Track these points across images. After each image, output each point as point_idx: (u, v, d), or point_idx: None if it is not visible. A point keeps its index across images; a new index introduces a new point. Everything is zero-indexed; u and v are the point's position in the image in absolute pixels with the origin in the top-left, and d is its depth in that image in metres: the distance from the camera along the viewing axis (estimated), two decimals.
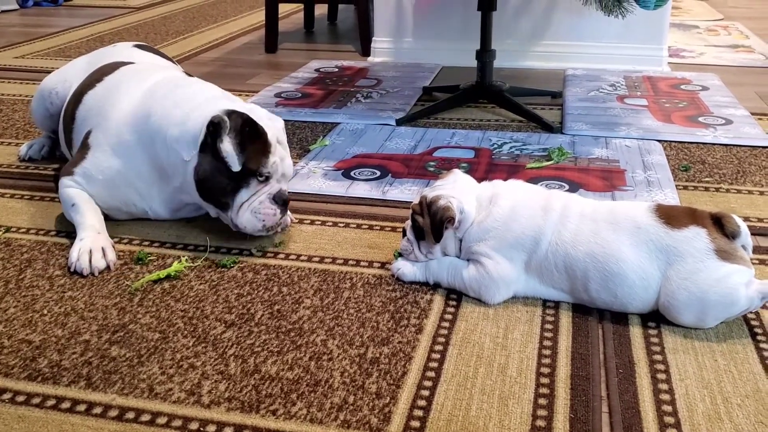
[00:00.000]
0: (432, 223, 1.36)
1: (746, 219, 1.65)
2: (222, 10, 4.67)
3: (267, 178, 1.52)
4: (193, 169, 1.52)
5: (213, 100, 1.56)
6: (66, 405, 1.11)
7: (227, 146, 1.46)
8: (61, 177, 1.66)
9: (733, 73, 2.94)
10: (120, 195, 1.64)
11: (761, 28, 3.79)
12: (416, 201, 1.42)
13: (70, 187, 1.64)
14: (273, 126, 1.56)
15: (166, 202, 1.65)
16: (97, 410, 1.09)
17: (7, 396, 1.13)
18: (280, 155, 1.55)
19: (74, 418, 1.08)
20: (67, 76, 1.98)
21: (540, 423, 1.05)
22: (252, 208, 1.51)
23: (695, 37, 3.64)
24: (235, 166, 1.47)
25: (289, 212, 1.66)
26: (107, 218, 1.67)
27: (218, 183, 1.51)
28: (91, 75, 1.81)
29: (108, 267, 1.49)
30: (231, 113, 1.49)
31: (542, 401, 1.10)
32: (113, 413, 1.09)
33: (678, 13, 4.21)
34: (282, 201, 1.54)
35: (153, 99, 1.60)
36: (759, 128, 2.25)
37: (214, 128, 1.47)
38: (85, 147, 1.65)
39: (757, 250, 1.51)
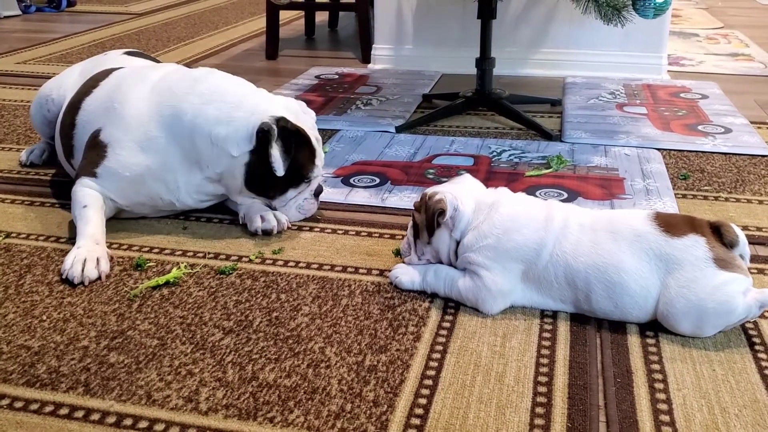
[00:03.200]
0: (425, 218, 1.37)
1: (745, 228, 1.65)
2: (223, 16, 4.68)
3: (311, 179, 1.69)
4: (245, 165, 1.62)
5: (252, 97, 1.65)
6: (64, 411, 1.11)
7: (275, 153, 1.58)
8: (81, 176, 1.66)
9: (732, 82, 2.94)
10: (147, 190, 1.66)
11: (761, 37, 3.80)
12: (419, 199, 1.43)
13: (89, 188, 1.64)
14: (309, 120, 1.69)
15: (193, 193, 1.69)
16: (95, 416, 1.09)
17: (5, 402, 1.13)
18: (320, 157, 1.68)
19: (72, 425, 1.08)
20: (62, 83, 2.00)
21: None
22: (297, 206, 1.70)
23: (695, 45, 3.65)
24: (280, 171, 1.59)
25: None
26: (122, 217, 1.70)
27: (270, 181, 1.64)
28: (86, 84, 1.83)
29: (99, 278, 1.49)
30: (279, 120, 1.59)
31: (539, 410, 1.10)
32: (111, 420, 1.09)
33: (678, 22, 4.22)
34: (319, 193, 1.74)
35: (176, 96, 1.64)
36: (758, 137, 2.25)
37: (263, 135, 1.57)
38: (98, 146, 1.65)
39: (756, 259, 1.52)
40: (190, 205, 1.72)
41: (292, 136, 1.60)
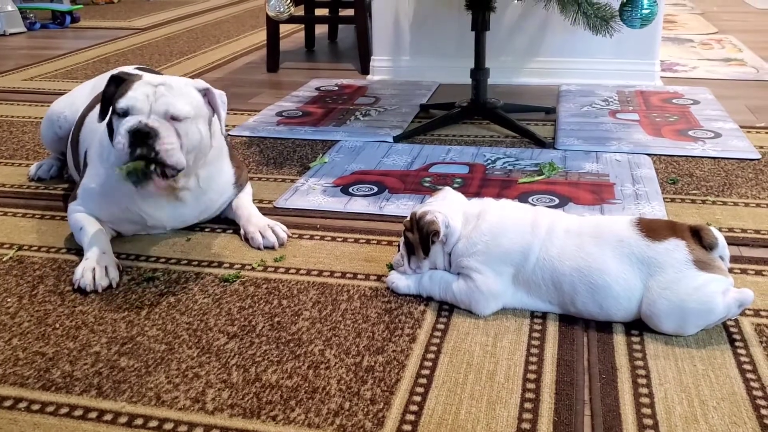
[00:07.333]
0: (420, 238, 1.43)
1: (730, 230, 1.71)
2: (224, 30, 4.76)
3: (125, 113, 1.51)
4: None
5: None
6: (78, 413, 1.17)
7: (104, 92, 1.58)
8: (68, 203, 1.74)
9: (724, 87, 3.00)
10: (119, 201, 1.67)
11: (754, 41, 3.86)
12: (408, 218, 1.48)
13: (77, 212, 1.71)
14: (183, 82, 1.61)
15: (156, 202, 1.68)
16: (108, 417, 1.16)
17: (23, 404, 1.19)
18: (145, 92, 1.52)
19: (86, 425, 1.14)
20: (74, 100, 2.06)
21: (525, 426, 1.11)
22: (120, 136, 1.50)
23: (689, 50, 3.71)
24: (99, 116, 1.60)
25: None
26: (119, 236, 1.74)
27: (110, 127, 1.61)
28: (93, 99, 1.90)
29: (110, 285, 1.55)
30: (124, 72, 1.62)
31: (528, 405, 1.16)
32: (123, 420, 1.15)
33: (673, 27, 4.29)
34: (136, 133, 1.47)
35: None
36: (747, 141, 2.31)
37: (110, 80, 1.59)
38: (84, 167, 1.75)
39: (740, 260, 1.57)
40: (162, 219, 1.72)
41: (114, 79, 1.59)
